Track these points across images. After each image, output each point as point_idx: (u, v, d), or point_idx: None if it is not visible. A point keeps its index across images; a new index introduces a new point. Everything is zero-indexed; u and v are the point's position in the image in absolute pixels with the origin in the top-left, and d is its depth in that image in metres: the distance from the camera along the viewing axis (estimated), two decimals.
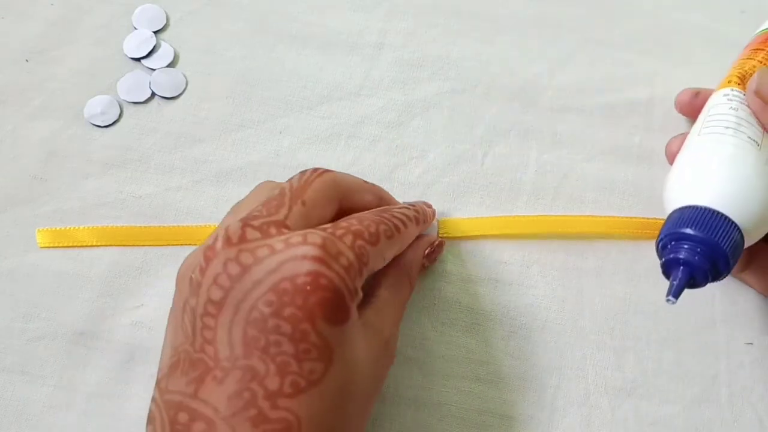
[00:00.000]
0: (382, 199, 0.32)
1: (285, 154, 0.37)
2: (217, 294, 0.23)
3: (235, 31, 0.39)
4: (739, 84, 0.32)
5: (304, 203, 0.26)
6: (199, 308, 0.24)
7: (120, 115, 0.37)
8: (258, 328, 0.23)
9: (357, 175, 0.36)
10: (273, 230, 0.24)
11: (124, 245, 0.35)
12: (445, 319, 0.34)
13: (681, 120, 0.37)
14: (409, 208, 0.31)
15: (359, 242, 0.26)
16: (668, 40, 0.40)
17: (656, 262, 0.34)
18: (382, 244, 0.27)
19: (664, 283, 0.34)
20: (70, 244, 0.35)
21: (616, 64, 0.39)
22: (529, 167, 0.37)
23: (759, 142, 0.29)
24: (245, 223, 0.25)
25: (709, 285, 0.34)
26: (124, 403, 0.32)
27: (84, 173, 0.36)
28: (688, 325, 0.34)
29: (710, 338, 0.33)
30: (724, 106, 0.31)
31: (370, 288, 0.29)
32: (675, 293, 0.27)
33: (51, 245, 0.35)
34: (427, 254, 0.33)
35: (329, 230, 0.25)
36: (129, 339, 0.33)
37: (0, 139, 0.37)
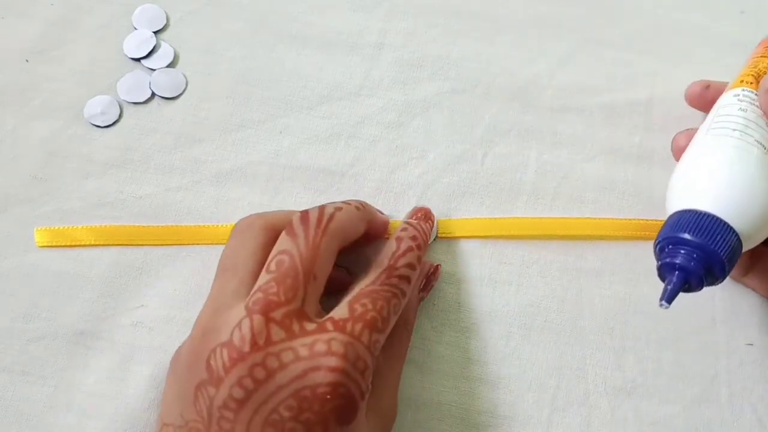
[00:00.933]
0: (371, 223, 0.31)
1: (285, 154, 0.37)
2: (239, 394, 0.24)
3: (235, 31, 0.39)
4: (751, 84, 0.31)
5: (315, 277, 0.27)
6: (218, 400, 0.24)
7: (120, 115, 0.37)
8: (276, 428, 0.24)
9: (357, 176, 0.36)
10: (296, 327, 0.25)
11: (122, 245, 0.35)
12: (444, 320, 0.34)
13: (681, 120, 0.37)
14: (412, 249, 0.30)
15: (374, 337, 0.26)
16: (668, 40, 0.40)
17: (656, 263, 0.35)
18: (392, 321, 0.28)
19: (663, 284, 0.34)
20: (69, 244, 0.35)
21: (616, 64, 0.39)
22: (529, 167, 0.37)
23: (766, 145, 0.29)
24: (267, 317, 0.25)
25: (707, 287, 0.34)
26: (124, 403, 0.32)
27: (84, 173, 0.36)
28: (688, 325, 0.34)
29: (710, 338, 0.33)
30: (734, 107, 0.31)
31: None
32: (668, 298, 0.27)
33: (49, 244, 0.35)
34: (423, 286, 0.33)
35: (348, 329, 0.26)
36: (129, 339, 0.33)
37: (0, 139, 0.37)
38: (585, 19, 0.40)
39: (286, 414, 0.24)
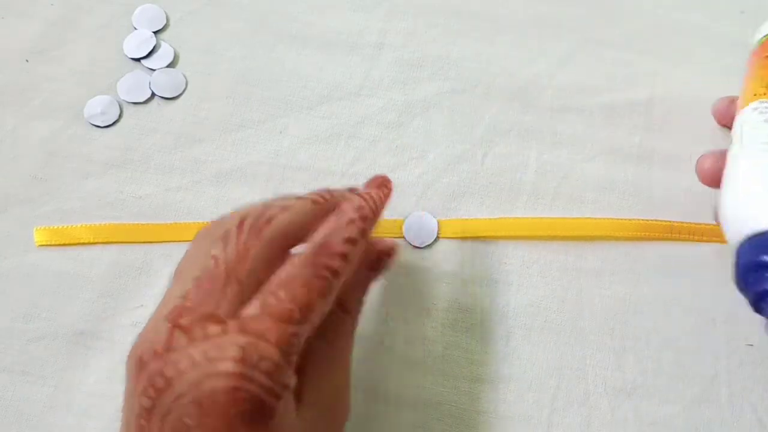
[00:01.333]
0: (317, 214, 0.28)
1: (285, 154, 0.37)
2: (147, 403, 0.23)
3: (235, 31, 0.39)
4: (766, 95, 0.31)
5: (240, 282, 0.25)
6: (135, 409, 0.24)
7: (120, 115, 0.37)
8: None
9: (357, 176, 0.36)
10: (199, 332, 0.24)
11: (121, 242, 0.35)
12: (444, 320, 0.34)
13: (681, 120, 0.37)
14: (353, 221, 0.27)
15: (290, 330, 0.24)
16: (668, 40, 0.40)
17: (656, 263, 0.35)
18: (317, 308, 0.25)
19: (664, 284, 0.34)
20: (68, 242, 0.35)
21: (616, 64, 0.39)
22: (529, 167, 0.37)
23: None
24: (175, 324, 0.24)
25: (707, 286, 0.34)
26: None
27: (84, 173, 0.36)
28: (688, 325, 0.34)
29: (710, 339, 0.33)
30: (759, 121, 0.30)
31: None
32: None
33: (48, 243, 0.35)
34: (374, 265, 0.29)
35: (252, 328, 0.24)
36: (129, 339, 0.33)
37: (0, 139, 0.37)
38: (585, 19, 0.40)
39: (189, 422, 0.23)
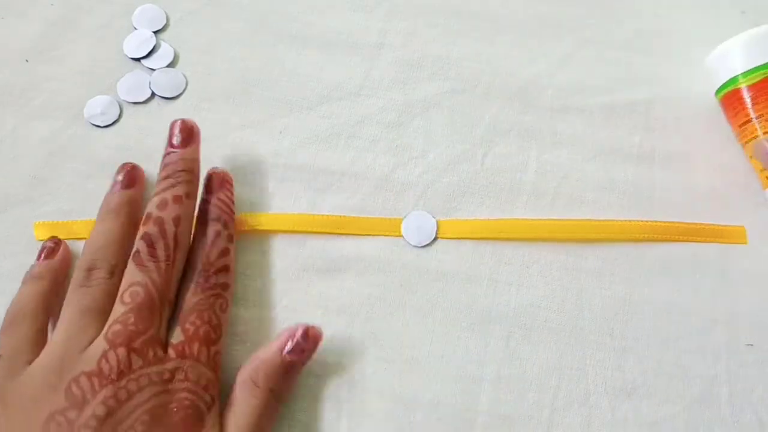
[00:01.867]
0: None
1: (285, 154, 0.37)
2: (102, 411, 0.27)
3: (235, 31, 0.39)
4: None
5: (170, 303, 0.30)
6: (81, 420, 0.26)
7: (120, 115, 0.37)
8: None
9: (356, 175, 0.36)
10: (150, 354, 0.28)
11: None
12: (444, 319, 0.34)
13: (681, 120, 0.37)
14: (219, 233, 0.32)
15: (212, 349, 0.30)
16: (668, 40, 0.40)
17: (656, 263, 0.35)
18: (223, 320, 0.31)
19: (664, 284, 0.34)
20: (67, 237, 0.35)
21: (616, 64, 0.39)
22: (529, 167, 0.37)
23: None
24: (129, 348, 0.28)
25: (707, 286, 0.34)
26: None
27: (84, 173, 0.36)
28: (689, 325, 0.34)
29: (711, 339, 0.33)
30: None
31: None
32: None
33: (48, 238, 0.35)
34: (290, 350, 0.30)
35: (187, 352, 0.29)
36: None
37: (0, 139, 0.37)
38: (585, 19, 0.40)
39: (140, 428, 0.27)
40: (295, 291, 0.34)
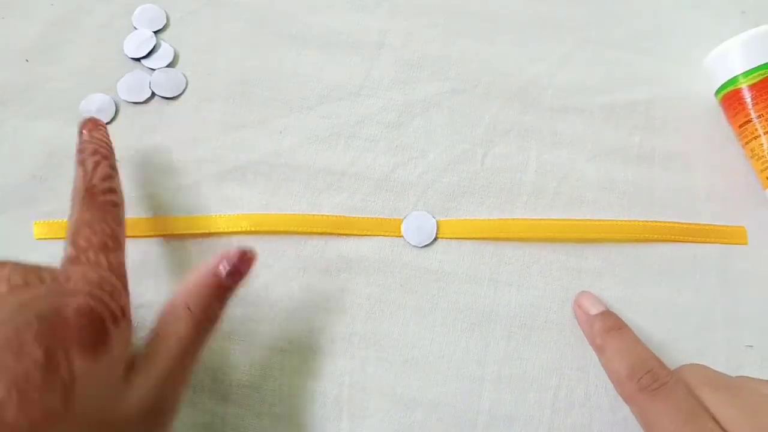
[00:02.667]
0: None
1: (285, 154, 0.37)
2: None
3: (235, 31, 0.39)
4: None
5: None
6: None
7: (116, 114, 0.37)
8: (11, 348, 0.23)
9: (357, 175, 0.36)
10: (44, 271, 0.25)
11: None
12: (444, 320, 0.34)
13: (681, 120, 0.37)
14: (99, 162, 0.30)
15: (112, 257, 0.27)
16: (668, 40, 0.40)
17: (656, 263, 0.35)
18: (120, 233, 0.29)
19: (664, 285, 0.34)
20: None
21: (616, 64, 0.39)
22: (529, 167, 0.37)
23: None
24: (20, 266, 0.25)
25: (707, 286, 0.34)
26: None
27: None
28: (688, 326, 0.34)
29: (710, 339, 0.33)
30: None
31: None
32: None
33: (47, 236, 0.35)
34: (226, 272, 0.29)
35: (83, 259, 0.26)
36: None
37: (0, 139, 0.37)
38: (585, 19, 0.40)
39: (27, 336, 0.23)
40: (295, 291, 0.34)
